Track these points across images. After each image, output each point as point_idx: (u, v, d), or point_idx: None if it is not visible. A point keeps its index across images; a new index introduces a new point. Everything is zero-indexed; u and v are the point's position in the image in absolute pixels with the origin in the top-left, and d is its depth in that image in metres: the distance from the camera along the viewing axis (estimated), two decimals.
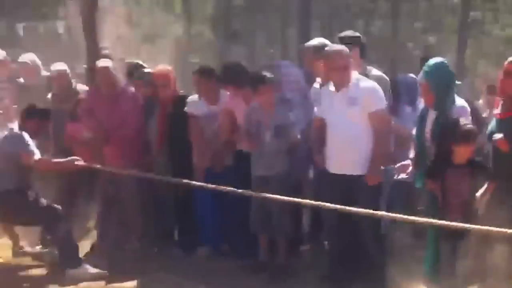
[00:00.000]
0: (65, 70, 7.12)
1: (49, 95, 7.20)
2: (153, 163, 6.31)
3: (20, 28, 16.36)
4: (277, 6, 20.42)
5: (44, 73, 7.70)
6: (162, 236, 6.43)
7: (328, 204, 4.59)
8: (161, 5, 6.88)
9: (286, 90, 5.85)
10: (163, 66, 6.24)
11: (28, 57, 7.76)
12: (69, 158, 5.79)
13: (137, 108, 6.25)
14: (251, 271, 5.58)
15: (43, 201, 5.72)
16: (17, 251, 6.32)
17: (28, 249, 6.35)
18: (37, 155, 5.64)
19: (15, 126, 6.31)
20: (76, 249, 5.66)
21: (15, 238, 6.34)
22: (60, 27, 16.42)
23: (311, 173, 5.97)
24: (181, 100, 6.14)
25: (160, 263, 5.91)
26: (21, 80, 7.76)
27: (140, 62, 7.07)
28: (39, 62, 7.79)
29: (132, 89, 6.40)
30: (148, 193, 6.24)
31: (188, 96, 6.19)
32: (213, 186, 5.17)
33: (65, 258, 5.58)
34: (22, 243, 6.38)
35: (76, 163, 5.73)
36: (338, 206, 4.47)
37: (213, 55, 21.17)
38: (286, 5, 19.77)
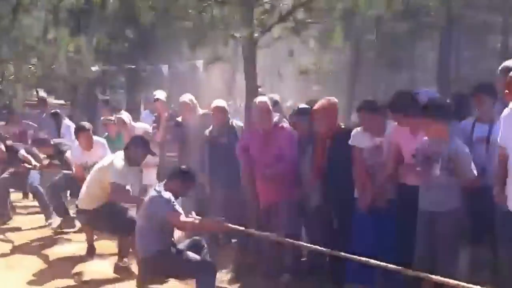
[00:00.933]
0: (224, 107, 7.49)
1: (207, 131, 7.56)
2: (305, 197, 6.45)
3: (165, 68, 17.18)
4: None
5: (199, 111, 8.06)
6: (311, 267, 6.50)
7: None
8: (320, 38, 7.02)
9: None
10: (325, 100, 6.21)
11: (187, 96, 8.13)
12: (215, 219, 5.75)
13: (292, 144, 6.39)
14: None
15: (188, 254, 5.73)
16: None
17: None
18: (182, 216, 5.62)
19: None
20: None
21: None
22: (200, 66, 17.07)
23: None
24: (342, 134, 6.08)
25: None
26: (179, 119, 8.15)
27: (276, 98, 7.26)
28: (195, 101, 8.15)
29: (286, 124, 6.54)
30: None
31: (348, 129, 6.11)
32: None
33: None
34: None
35: (219, 224, 5.61)
36: None
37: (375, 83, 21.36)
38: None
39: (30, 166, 9.36)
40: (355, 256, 4.93)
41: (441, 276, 4.45)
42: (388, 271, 4.84)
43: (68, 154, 8.75)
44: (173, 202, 5.60)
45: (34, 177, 9.65)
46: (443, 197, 5.00)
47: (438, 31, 17.53)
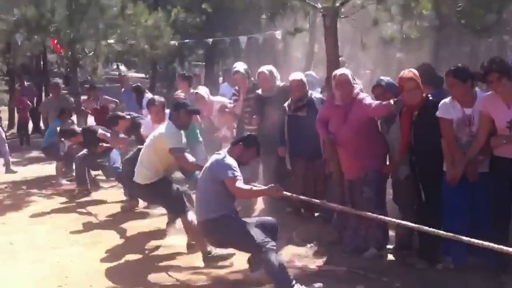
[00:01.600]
0: (301, 79, 7.35)
1: (285, 104, 7.41)
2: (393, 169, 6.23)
3: (243, 41, 17.08)
4: None
5: (278, 83, 7.90)
6: (400, 243, 6.33)
7: None
8: (404, 5, 6.70)
9: None
10: (409, 70, 5.88)
11: (266, 67, 7.95)
12: (270, 186, 5.62)
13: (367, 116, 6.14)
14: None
15: (252, 228, 5.55)
16: None
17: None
18: (240, 182, 5.51)
19: None
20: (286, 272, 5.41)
21: None
22: (278, 37, 16.89)
23: None
24: (430, 105, 5.77)
25: (397, 273, 5.77)
26: (259, 91, 8.00)
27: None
28: (275, 72, 7.96)
29: (364, 96, 6.31)
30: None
31: (435, 100, 5.79)
32: None
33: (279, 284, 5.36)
34: None
35: (275, 191, 5.50)
36: None
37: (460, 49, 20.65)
38: None
39: (107, 145, 9.46)
40: (442, 232, 4.72)
41: None
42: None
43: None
44: (234, 167, 5.54)
45: (115, 158, 9.78)
46: None
47: None
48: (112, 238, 7.49)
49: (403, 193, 6.22)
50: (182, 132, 6.69)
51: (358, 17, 8.08)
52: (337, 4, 7.06)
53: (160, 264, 6.45)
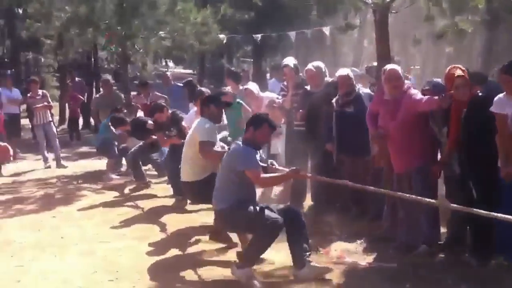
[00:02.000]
0: (348, 75, 7.34)
1: (333, 100, 7.38)
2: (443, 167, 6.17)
3: (292, 35, 17.07)
4: None
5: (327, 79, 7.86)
6: (451, 240, 6.23)
7: None
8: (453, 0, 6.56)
9: None
10: (455, 67, 5.85)
11: (313, 64, 7.94)
12: (291, 169, 5.75)
13: (416, 111, 6.08)
14: None
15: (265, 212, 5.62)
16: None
17: None
18: (260, 172, 5.66)
19: None
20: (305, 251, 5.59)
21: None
22: (327, 32, 16.82)
23: None
24: (480, 101, 5.73)
25: (449, 270, 5.67)
26: (307, 87, 7.96)
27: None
28: (323, 68, 7.94)
29: (415, 92, 6.24)
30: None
31: (485, 96, 5.75)
32: None
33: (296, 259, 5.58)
34: None
35: (296, 173, 5.71)
36: None
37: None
38: None
39: (155, 137, 9.53)
40: (494, 214, 4.67)
41: None
42: None
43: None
44: (253, 156, 5.67)
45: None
46: None
47: None
48: (160, 233, 7.56)
49: (455, 191, 6.10)
50: (215, 125, 6.73)
51: (409, 12, 7.99)
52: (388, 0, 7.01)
53: (206, 259, 6.47)
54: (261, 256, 5.79)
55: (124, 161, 11.36)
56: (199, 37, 14.66)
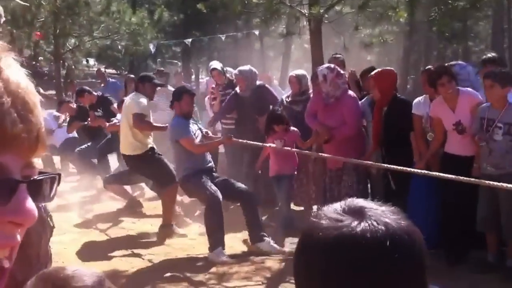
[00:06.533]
0: (298, 76, 7.74)
1: (283, 98, 7.91)
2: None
3: (221, 39, 17.47)
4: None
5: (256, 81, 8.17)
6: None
7: None
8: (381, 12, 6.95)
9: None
10: (380, 69, 6.43)
11: (241, 68, 8.24)
12: (223, 136, 6.88)
13: (355, 112, 6.58)
14: (480, 272, 5.36)
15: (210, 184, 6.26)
16: None
17: None
18: (194, 140, 6.33)
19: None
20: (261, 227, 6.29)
21: None
22: (257, 39, 17.32)
23: None
24: (398, 102, 6.24)
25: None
26: (237, 89, 8.21)
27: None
28: (254, 72, 8.22)
29: (351, 92, 6.72)
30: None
31: (404, 98, 6.35)
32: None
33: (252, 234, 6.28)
34: None
35: (226, 139, 6.71)
36: None
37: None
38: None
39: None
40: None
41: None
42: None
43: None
44: (185, 126, 6.36)
45: None
46: (506, 161, 5.21)
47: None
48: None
49: (377, 184, 6.65)
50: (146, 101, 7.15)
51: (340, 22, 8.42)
52: (321, 11, 7.53)
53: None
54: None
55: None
56: (133, 38, 14.82)
